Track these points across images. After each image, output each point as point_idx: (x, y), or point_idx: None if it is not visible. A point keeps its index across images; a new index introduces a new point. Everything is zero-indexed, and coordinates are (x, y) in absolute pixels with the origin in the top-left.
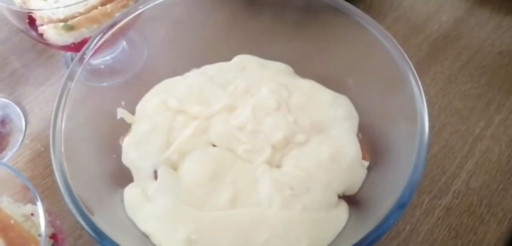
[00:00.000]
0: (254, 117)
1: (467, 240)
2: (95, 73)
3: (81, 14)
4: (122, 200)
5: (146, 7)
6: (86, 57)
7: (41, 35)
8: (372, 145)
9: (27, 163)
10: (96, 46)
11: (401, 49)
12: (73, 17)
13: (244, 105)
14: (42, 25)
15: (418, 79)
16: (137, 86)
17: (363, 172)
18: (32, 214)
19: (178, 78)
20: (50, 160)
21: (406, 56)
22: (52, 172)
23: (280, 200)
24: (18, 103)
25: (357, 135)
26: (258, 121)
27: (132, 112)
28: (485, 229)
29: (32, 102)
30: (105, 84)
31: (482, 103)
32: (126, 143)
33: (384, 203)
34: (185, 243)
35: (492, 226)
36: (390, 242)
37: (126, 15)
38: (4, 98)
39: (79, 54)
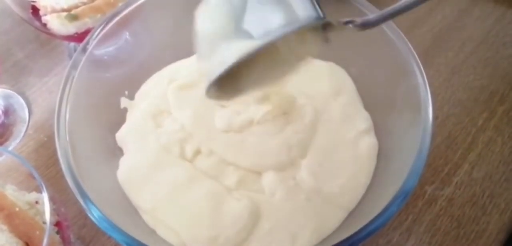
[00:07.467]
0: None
1: (469, 230)
2: (98, 63)
3: (84, 4)
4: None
5: None
6: (90, 47)
7: (44, 25)
8: (376, 133)
9: (31, 153)
10: (99, 36)
11: (405, 39)
12: (77, 6)
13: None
14: (46, 14)
15: (422, 69)
16: (140, 76)
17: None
18: (36, 202)
19: (177, 64)
20: (53, 149)
21: (410, 46)
22: (55, 161)
23: (284, 189)
24: (22, 94)
25: None
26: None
27: None
28: (487, 219)
29: (35, 93)
30: (108, 74)
31: (485, 94)
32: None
33: (387, 190)
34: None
35: (494, 217)
36: (392, 231)
37: (129, 4)
38: (8, 89)
39: (82, 43)
